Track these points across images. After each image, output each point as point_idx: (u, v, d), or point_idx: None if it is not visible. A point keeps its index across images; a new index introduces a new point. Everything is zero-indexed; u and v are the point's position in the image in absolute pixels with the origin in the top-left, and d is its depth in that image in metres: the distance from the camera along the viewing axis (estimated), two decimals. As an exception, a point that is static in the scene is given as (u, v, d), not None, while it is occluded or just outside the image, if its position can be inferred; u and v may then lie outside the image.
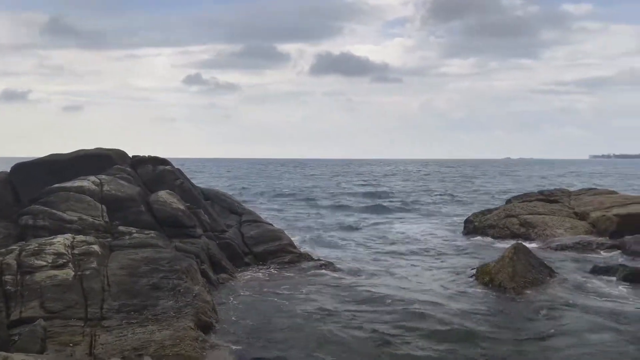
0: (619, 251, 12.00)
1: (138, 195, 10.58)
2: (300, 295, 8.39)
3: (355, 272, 10.18)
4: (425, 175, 62.58)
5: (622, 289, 8.96)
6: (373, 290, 8.72)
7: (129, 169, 11.84)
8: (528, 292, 8.54)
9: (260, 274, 9.91)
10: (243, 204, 13.93)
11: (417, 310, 7.54)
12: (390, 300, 8.08)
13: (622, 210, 14.00)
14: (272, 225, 12.54)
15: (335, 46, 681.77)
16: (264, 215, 14.53)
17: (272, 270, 10.12)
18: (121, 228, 9.42)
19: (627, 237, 12.27)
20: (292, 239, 12.06)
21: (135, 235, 9.17)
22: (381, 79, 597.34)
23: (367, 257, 11.88)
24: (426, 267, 10.94)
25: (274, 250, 10.91)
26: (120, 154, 12.44)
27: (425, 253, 12.60)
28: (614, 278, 9.59)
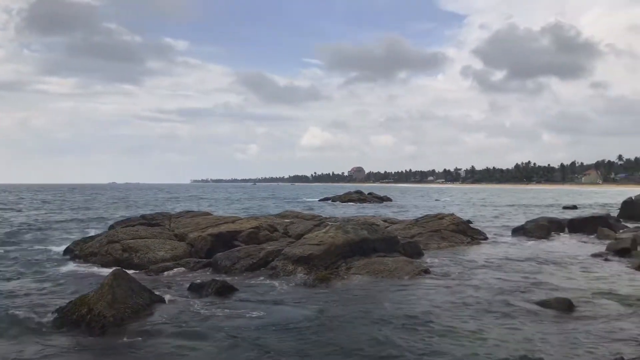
0: (211, 267, 13.24)
1: None
2: None
3: None
4: (29, 202, 55.50)
5: (215, 302, 9.79)
6: None
7: None
8: (129, 318, 8.36)
9: None
10: None
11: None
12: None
13: (215, 230, 15.62)
14: None
15: None
16: None
17: None
18: None
19: (218, 254, 13.69)
20: None
21: None
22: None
23: None
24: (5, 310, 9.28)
25: None
26: None
27: (11, 292, 10.87)
28: (208, 293, 10.46)
